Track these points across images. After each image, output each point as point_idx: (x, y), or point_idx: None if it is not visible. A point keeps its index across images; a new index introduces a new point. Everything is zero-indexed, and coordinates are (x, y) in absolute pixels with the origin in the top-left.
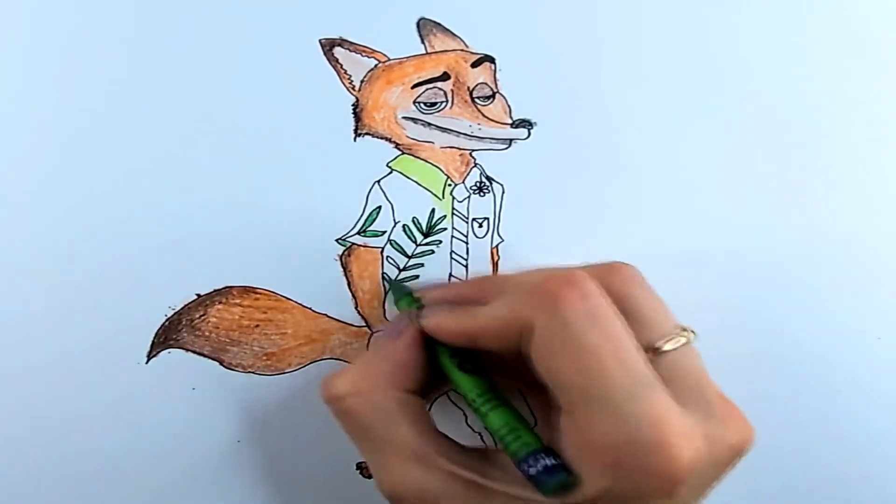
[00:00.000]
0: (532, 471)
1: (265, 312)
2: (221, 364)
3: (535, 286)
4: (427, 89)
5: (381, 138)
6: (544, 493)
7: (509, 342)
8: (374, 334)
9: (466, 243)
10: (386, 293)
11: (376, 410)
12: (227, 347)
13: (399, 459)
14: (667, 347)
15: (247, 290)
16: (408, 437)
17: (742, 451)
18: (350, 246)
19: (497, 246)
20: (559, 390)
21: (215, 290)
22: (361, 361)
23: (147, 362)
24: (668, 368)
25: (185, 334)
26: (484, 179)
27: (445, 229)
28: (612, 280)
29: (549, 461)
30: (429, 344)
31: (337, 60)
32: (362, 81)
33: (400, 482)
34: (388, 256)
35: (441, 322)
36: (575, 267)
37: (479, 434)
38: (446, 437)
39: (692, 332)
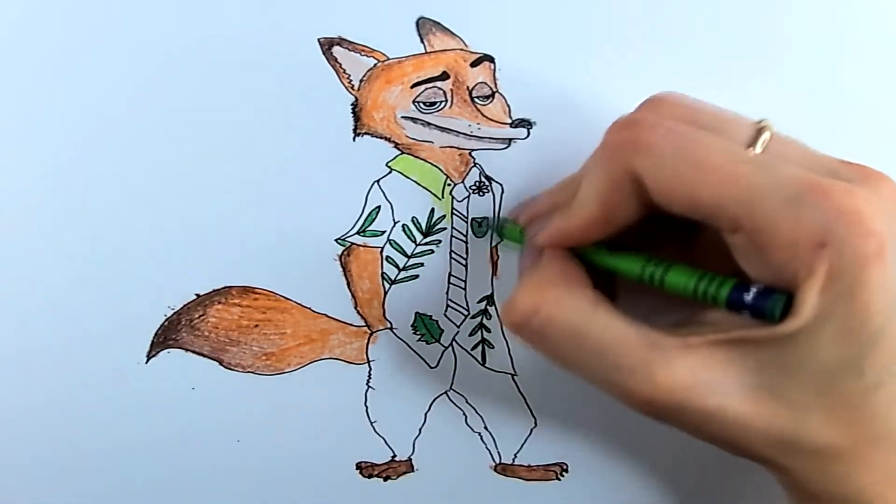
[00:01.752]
0: (749, 300)
1: (264, 312)
2: (221, 364)
3: (611, 144)
4: (426, 89)
5: (381, 138)
6: (771, 316)
7: (627, 206)
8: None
9: (466, 243)
10: (386, 290)
11: (580, 312)
12: (227, 347)
13: (639, 359)
14: (760, 147)
15: (246, 290)
16: (632, 330)
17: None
18: (349, 246)
19: (497, 245)
20: (711, 217)
21: (214, 290)
22: (529, 278)
23: (146, 362)
24: (778, 157)
25: (184, 334)
26: (483, 179)
27: (445, 229)
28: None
29: (755, 288)
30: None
31: (336, 60)
32: (361, 81)
33: (661, 381)
34: (387, 256)
35: (552, 232)
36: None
37: (479, 434)
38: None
39: (769, 123)
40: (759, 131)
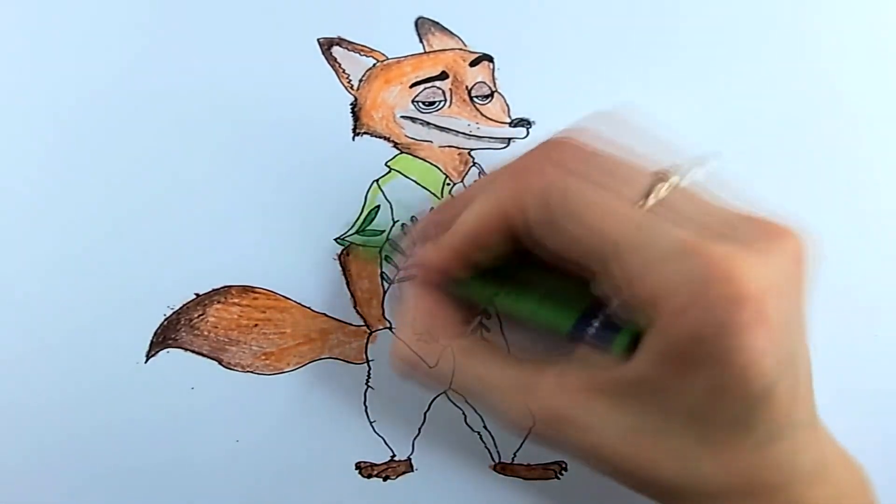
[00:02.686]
0: (592, 332)
1: (264, 312)
2: (220, 364)
3: (495, 185)
4: (425, 88)
5: (380, 137)
6: (617, 349)
7: (495, 247)
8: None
9: None
10: (385, 290)
11: (458, 363)
12: (226, 347)
13: (514, 401)
14: (651, 201)
15: (245, 290)
16: (507, 373)
17: (798, 257)
18: (349, 245)
19: None
20: (577, 266)
21: (214, 290)
22: (402, 327)
23: (146, 362)
24: (668, 210)
25: (183, 334)
26: None
27: None
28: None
29: (597, 322)
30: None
31: (335, 59)
32: (361, 80)
33: (524, 415)
34: (386, 256)
35: (425, 256)
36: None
37: (479, 434)
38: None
39: (675, 172)
40: (655, 184)
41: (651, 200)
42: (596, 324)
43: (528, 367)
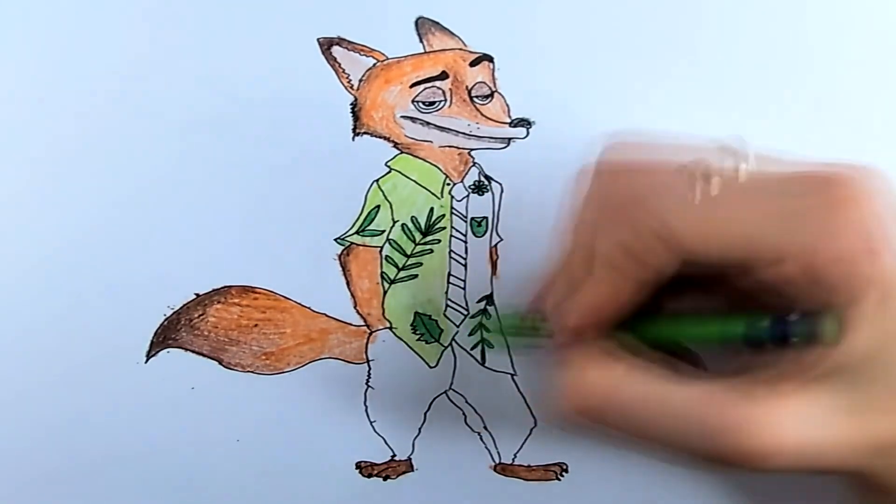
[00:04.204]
0: (790, 328)
1: (264, 312)
2: (220, 363)
3: (618, 198)
4: (425, 88)
5: (380, 137)
6: (825, 339)
7: (660, 261)
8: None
9: (465, 242)
10: (385, 290)
11: (655, 378)
12: (226, 347)
13: (737, 415)
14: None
15: (245, 290)
16: (716, 386)
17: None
18: (349, 245)
19: (496, 245)
20: (752, 252)
21: (214, 290)
22: (579, 362)
23: (146, 362)
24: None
25: (183, 334)
26: (483, 178)
27: (444, 228)
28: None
29: (792, 316)
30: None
31: (335, 59)
32: (361, 80)
33: (768, 433)
34: (386, 256)
35: (582, 310)
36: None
37: (479, 434)
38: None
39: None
40: (730, 157)
41: (743, 174)
42: (796, 321)
43: (734, 399)
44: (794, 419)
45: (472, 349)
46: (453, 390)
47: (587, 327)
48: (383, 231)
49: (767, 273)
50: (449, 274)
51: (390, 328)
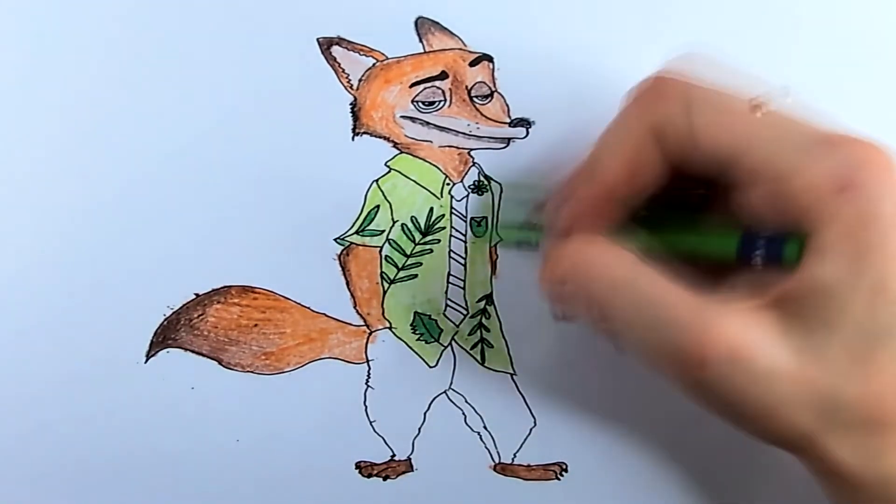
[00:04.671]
0: (761, 245)
1: (264, 312)
2: (220, 363)
3: (632, 102)
4: (425, 88)
5: (380, 137)
6: (788, 259)
7: (650, 161)
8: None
9: (465, 242)
10: (385, 290)
11: (628, 263)
12: (226, 347)
13: (692, 315)
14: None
15: (245, 290)
16: (681, 289)
17: None
18: (348, 245)
19: (496, 245)
20: (730, 166)
21: (214, 290)
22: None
23: (146, 362)
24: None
25: (183, 334)
26: (482, 178)
27: (444, 228)
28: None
29: (765, 234)
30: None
31: (335, 59)
32: (360, 80)
33: (714, 336)
34: (386, 255)
35: (575, 204)
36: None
37: (479, 434)
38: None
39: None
40: (773, 93)
41: (773, 105)
42: (762, 240)
43: (697, 299)
44: (738, 330)
45: (471, 349)
46: (453, 390)
47: (590, 212)
48: (383, 231)
49: (748, 193)
50: (449, 274)
51: (390, 328)
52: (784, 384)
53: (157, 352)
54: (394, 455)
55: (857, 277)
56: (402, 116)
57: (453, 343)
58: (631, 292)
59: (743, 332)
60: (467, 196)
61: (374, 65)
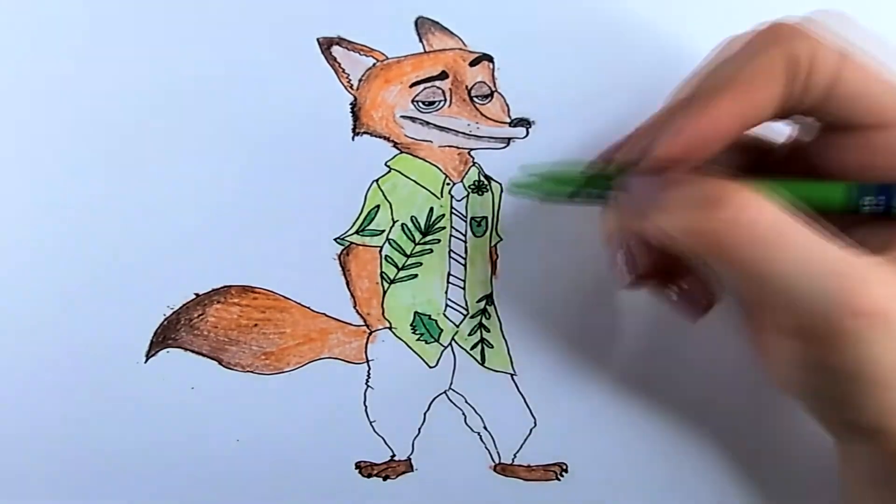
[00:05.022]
0: (871, 197)
1: (264, 312)
2: (220, 363)
3: (770, 30)
4: (425, 88)
5: (380, 137)
6: None
7: (775, 93)
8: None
9: (465, 242)
10: (385, 290)
11: (783, 214)
12: (226, 347)
13: (851, 269)
14: None
15: (245, 290)
16: (833, 241)
17: None
18: (348, 245)
19: (496, 245)
20: (870, 106)
21: (214, 290)
22: (697, 185)
23: (146, 362)
24: None
25: (183, 334)
26: (482, 178)
27: (444, 228)
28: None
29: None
30: None
31: (335, 59)
32: (360, 80)
33: (877, 292)
34: (386, 255)
35: (678, 138)
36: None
37: (478, 434)
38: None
39: None
40: None
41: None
42: (876, 188)
43: (852, 255)
44: (890, 290)
45: (471, 349)
46: (453, 390)
47: (692, 146)
48: (383, 231)
49: (874, 138)
50: (449, 274)
51: (390, 328)
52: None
53: (157, 352)
54: (394, 455)
55: None
56: (402, 116)
57: (453, 343)
58: (790, 248)
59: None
60: (467, 196)
61: (374, 65)
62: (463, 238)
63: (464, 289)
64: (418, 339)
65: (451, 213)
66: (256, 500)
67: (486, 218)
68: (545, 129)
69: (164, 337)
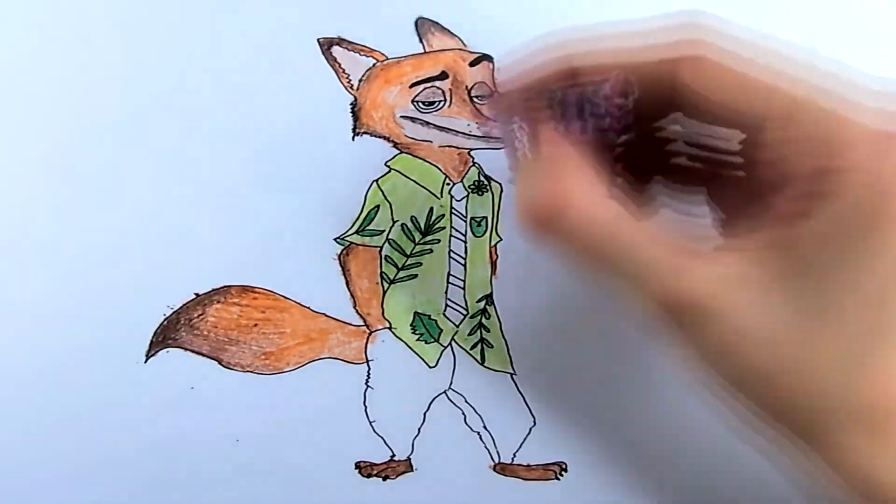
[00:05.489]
0: None
1: (264, 312)
2: (220, 363)
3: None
4: (425, 88)
5: (380, 137)
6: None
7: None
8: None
9: (465, 242)
10: (385, 290)
11: (608, 207)
12: (226, 347)
13: (670, 261)
14: None
15: (245, 290)
16: (660, 233)
17: None
18: (348, 245)
19: (496, 245)
20: (755, 112)
21: (214, 290)
22: (540, 164)
23: (146, 362)
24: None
25: (183, 333)
26: (482, 178)
27: (444, 228)
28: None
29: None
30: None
31: (335, 59)
32: (360, 80)
33: (689, 284)
34: (386, 255)
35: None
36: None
37: (478, 434)
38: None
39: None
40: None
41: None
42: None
43: (679, 247)
44: (708, 280)
45: (471, 349)
46: (453, 390)
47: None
48: (383, 231)
49: (765, 135)
50: (448, 274)
51: (390, 328)
52: (770, 355)
53: (157, 352)
54: (394, 455)
55: (870, 250)
56: (402, 116)
57: (453, 343)
58: (614, 242)
59: (715, 283)
60: (467, 196)
61: (374, 65)
62: (463, 238)
63: (463, 289)
64: (418, 339)
65: (451, 213)
66: (256, 500)
67: (485, 218)
68: None
69: (164, 337)
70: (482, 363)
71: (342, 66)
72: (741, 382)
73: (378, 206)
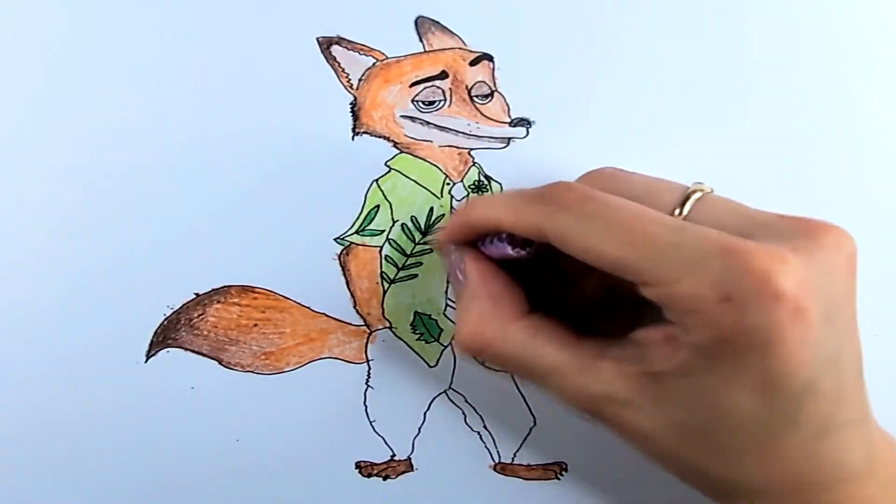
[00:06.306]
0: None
1: (264, 311)
2: (220, 363)
3: (535, 198)
4: (425, 88)
5: (380, 137)
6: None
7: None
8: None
9: None
10: (385, 290)
11: (520, 345)
12: (226, 347)
13: (570, 379)
14: (688, 207)
15: (245, 290)
16: (564, 355)
17: (841, 253)
18: (348, 245)
19: None
20: (618, 271)
21: (214, 290)
22: (466, 309)
23: (146, 361)
24: (706, 217)
25: (183, 333)
26: (482, 178)
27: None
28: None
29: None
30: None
31: (335, 59)
32: (360, 80)
33: (584, 396)
34: (386, 255)
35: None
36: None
37: (479, 434)
38: (588, 336)
39: (704, 186)
40: (688, 195)
41: (688, 207)
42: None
43: (588, 349)
44: (619, 396)
45: None
46: (453, 390)
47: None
48: (383, 231)
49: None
50: (448, 274)
51: (390, 328)
52: (670, 453)
53: (157, 352)
54: (394, 455)
55: (740, 376)
56: (402, 116)
57: (453, 343)
58: (526, 369)
59: (624, 391)
60: (467, 196)
61: (373, 64)
62: None
63: None
64: (418, 339)
65: (451, 212)
66: (256, 500)
67: None
68: (545, 129)
69: (164, 337)
70: (482, 363)
71: (341, 65)
72: (656, 461)
73: (378, 206)
